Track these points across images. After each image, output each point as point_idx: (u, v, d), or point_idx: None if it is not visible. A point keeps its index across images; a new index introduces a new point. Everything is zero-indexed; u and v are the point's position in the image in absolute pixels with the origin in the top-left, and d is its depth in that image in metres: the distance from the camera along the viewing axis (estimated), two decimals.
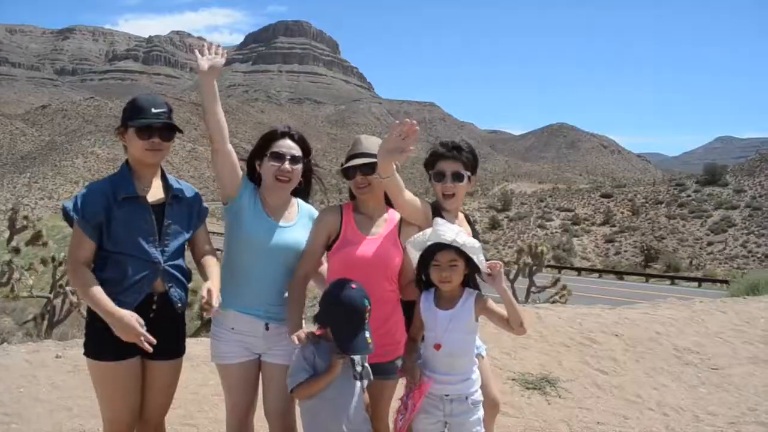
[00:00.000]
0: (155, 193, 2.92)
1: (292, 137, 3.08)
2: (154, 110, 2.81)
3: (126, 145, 2.91)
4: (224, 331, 3.00)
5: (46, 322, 15.81)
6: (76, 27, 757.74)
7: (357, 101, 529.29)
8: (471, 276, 2.97)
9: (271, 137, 3.07)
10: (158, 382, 2.96)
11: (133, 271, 2.77)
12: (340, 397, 2.74)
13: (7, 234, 17.90)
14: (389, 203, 3.13)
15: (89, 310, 2.81)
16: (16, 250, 16.30)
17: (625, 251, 62.60)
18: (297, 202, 3.19)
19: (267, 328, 2.99)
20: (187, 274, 3.01)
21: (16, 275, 15.92)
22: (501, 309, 2.94)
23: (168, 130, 2.88)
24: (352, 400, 2.76)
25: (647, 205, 76.24)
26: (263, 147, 3.07)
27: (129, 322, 2.66)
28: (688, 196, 75.76)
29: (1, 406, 4.48)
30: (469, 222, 3.40)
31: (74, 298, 15.08)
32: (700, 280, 35.92)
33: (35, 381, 4.89)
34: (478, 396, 2.99)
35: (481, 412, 3.00)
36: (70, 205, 2.78)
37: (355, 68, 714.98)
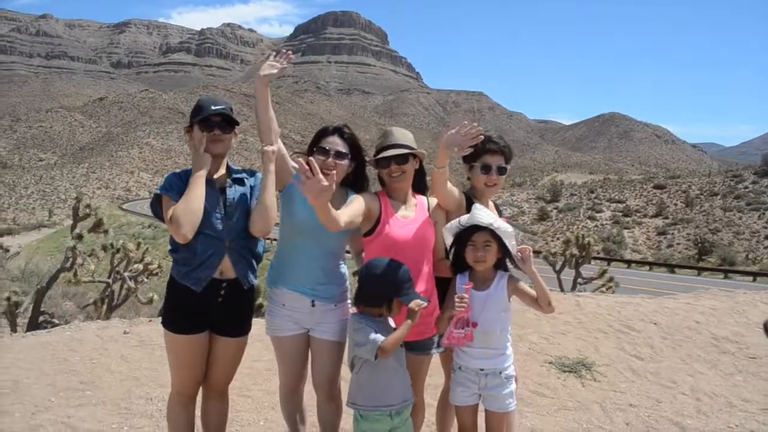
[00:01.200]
0: (221, 180, 3.26)
1: (342, 135, 3.36)
2: (213, 107, 3.14)
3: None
4: (277, 307, 3.37)
5: (105, 306, 16.58)
6: (131, 21, 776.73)
7: (405, 91, 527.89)
8: (503, 259, 3.23)
9: (322, 133, 3.38)
10: (223, 357, 3.31)
11: (202, 249, 3.09)
12: (399, 366, 3.05)
13: (69, 222, 18.76)
14: (416, 189, 3.46)
15: (169, 287, 3.19)
16: (80, 237, 17.11)
17: (678, 244, 61.04)
18: (347, 191, 3.46)
19: (313, 305, 3.32)
20: (258, 257, 3.33)
21: (79, 261, 16.74)
22: (531, 290, 3.20)
23: (225, 123, 3.19)
24: (404, 369, 3.08)
25: (702, 196, 74.05)
26: (315, 141, 3.38)
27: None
28: (746, 187, 73.25)
29: (77, 375, 4.96)
30: (498, 210, 3.67)
31: (131, 284, 15.82)
32: (755, 275, 34.81)
33: (106, 353, 5.37)
34: (511, 371, 3.25)
35: (513, 386, 3.26)
36: (161, 190, 3.14)
37: (403, 58, 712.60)
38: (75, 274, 16.98)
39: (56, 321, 13.43)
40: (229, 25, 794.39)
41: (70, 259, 16.50)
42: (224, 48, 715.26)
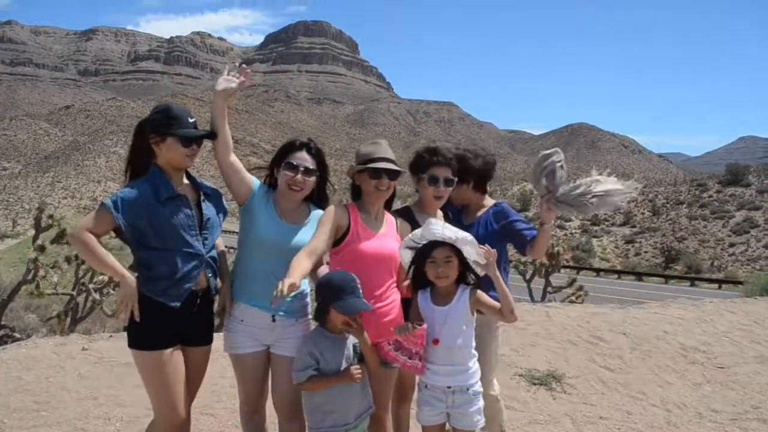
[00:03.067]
0: (187, 191, 3.16)
1: (309, 150, 3.29)
2: (189, 120, 3.08)
3: (157, 150, 3.07)
4: (235, 323, 3.22)
5: (69, 319, 16.16)
6: (98, 28, 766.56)
7: (376, 101, 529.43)
8: (464, 273, 3.16)
9: (288, 148, 3.29)
10: (193, 368, 3.19)
11: (182, 264, 3.01)
12: (347, 387, 2.96)
13: (33, 232, 18.33)
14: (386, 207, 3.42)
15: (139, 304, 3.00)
16: (42, 248, 16.67)
17: (646, 252, 61.96)
18: (309, 206, 3.39)
19: (273, 320, 3.19)
20: (215, 261, 3.27)
21: (41, 272, 16.30)
22: (493, 301, 3.13)
23: (201, 138, 3.13)
24: (357, 386, 2.99)
25: (668, 205, 75.36)
26: (281, 156, 3.29)
27: (132, 285, 2.92)
28: (710, 196, 74.76)
29: (32, 395, 4.75)
30: (447, 219, 3.63)
31: (96, 296, 15.43)
32: (720, 282, 35.49)
33: (63, 371, 5.16)
34: (478, 387, 3.17)
35: (481, 403, 3.18)
36: (109, 202, 2.94)
37: (374, 68, 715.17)
38: (37, 287, 16.54)
39: (17, 335, 13.04)
40: (198, 33, 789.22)
41: (32, 271, 16.07)
42: (194, 56, 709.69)
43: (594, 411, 5.04)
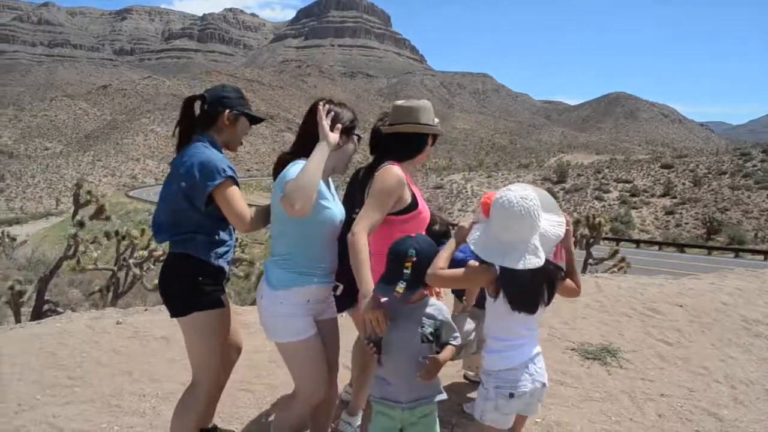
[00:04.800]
0: None
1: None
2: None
3: (225, 128, 3.12)
4: (299, 306, 2.88)
5: (111, 294, 16.40)
6: (132, 8, 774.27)
7: (409, 74, 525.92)
8: None
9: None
10: (231, 315, 3.29)
11: (233, 234, 3.19)
12: (404, 364, 2.70)
13: (73, 210, 18.58)
14: None
15: (193, 272, 2.98)
16: (81, 224, 16.87)
17: (686, 223, 60.56)
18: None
19: (335, 290, 3.09)
20: None
21: (81, 248, 16.52)
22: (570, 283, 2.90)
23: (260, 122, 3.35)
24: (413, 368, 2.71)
25: (710, 175, 73.48)
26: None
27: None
28: (754, 166, 72.55)
29: (65, 370, 4.63)
30: None
31: (137, 271, 15.58)
32: (766, 253, 34.41)
33: (97, 346, 5.03)
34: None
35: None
36: (223, 172, 2.90)
37: (407, 41, 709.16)
38: (78, 262, 16.78)
39: (60, 309, 13.21)
40: (231, 10, 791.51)
41: (72, 247, 16.29)
42: (226, 33, 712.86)
43: (654, 387, 4.70)
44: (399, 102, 3.22)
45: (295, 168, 2.81)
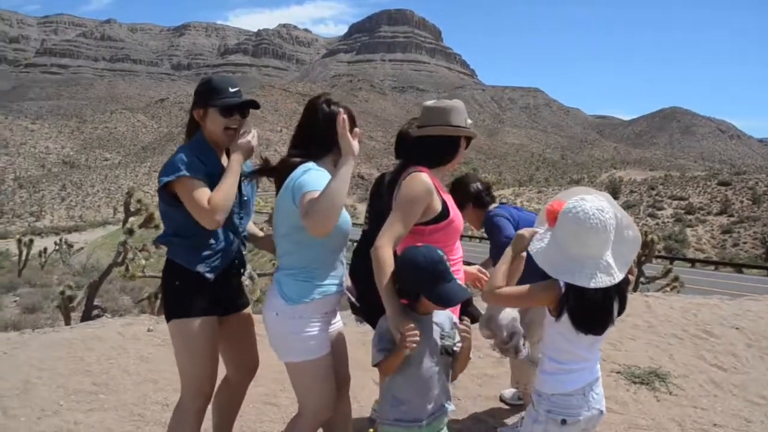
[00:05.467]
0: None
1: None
2: (230, 89, 2.90)
3: (202, 125, 2.94)
4: (318, 319, 2.72)
5: (159, 301, 16.61)
6: (190, 24, 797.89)
7: (460, 88, 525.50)
8: None
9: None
10: (242, 331, 3.11)
11: (222, 237, 2.91)
12: (423, 373, 2.50)
13: (124, 217, 19.01)
14: None
15: (171, 276, 2.89)
16: (130, 232, 17.20)
17: (745, 243, 58.20)
18: None
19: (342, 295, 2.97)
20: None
21: (130, 255, 16.84)
22: None
23: (245, 108, 2.96)
24: (435, 377, 2.52)
25: None
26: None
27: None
28: None
29: (91, 376, 4.58)
30: None
31: None
32: None
33: (125, 353, 4.98)
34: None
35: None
36: (178, 170, 2.75)
37: (457, 55, 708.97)
38: (126, 269, 17.11)
39: (108, 315, 13.45)
40: (284, 26, 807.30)
41: (122, 254, 16.62)
42: (280, 48, 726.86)
43: (706, 416, 4.35)
44: (429, 102, 2.97)
45: (310, 176, 2.62)
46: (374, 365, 2.49)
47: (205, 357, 2.89)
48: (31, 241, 28.79)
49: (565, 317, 2.34)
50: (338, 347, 2.92)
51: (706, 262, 39.80)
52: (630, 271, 2.41)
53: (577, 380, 2.41)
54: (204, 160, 2.84)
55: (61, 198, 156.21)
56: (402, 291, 2.50)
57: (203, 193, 2.72)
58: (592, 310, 2.31)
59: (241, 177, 2.94)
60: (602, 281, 2.24)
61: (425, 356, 2.47)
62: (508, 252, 2.50)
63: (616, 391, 4.66)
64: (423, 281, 2.42)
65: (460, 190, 3.87)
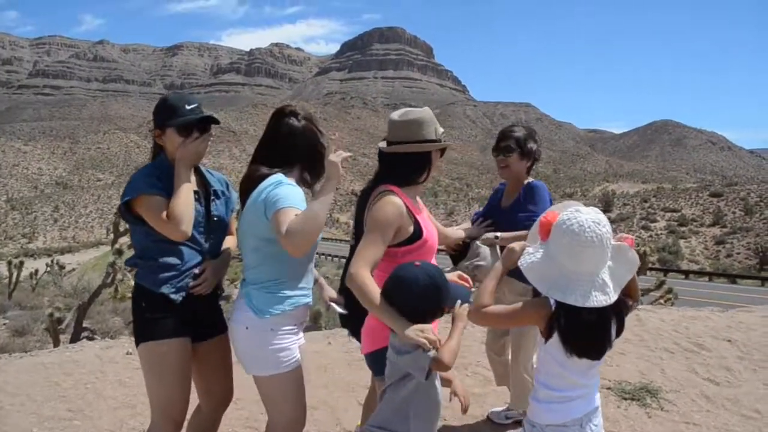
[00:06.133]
0: (198, 187, 2.94)
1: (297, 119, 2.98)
2: (187, 107, 2.80)
3: (163, 146, 2.86)
4: (289, 331, 2.71)
5: None
6: (183, 44, 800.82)
7: (452, 104, 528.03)
8: None
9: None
10: (215, 358, 2.97)
11: (188, 258, 2.79)
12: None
13: (126, 240, 18.88)
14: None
15: (138, 298, 2.84)
16: (119, 252, 17.05)
17: (738, 253, 58.26)
18: None
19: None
20: None
21: (119, 276, 16.67)
22: None
23: (205, 123, 2.86)
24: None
25: (762, 203, 70.81)
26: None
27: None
28: None
29: (67, 402, 4.46)
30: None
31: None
32: None
33: (103, 377, 4.85)
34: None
35: None
36: (136, 189, 2.71)
37: (449, 72, 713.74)
38: (116, 290, 16.92)
39: (97, 337, 13.26)
40: (277, 45, 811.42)
41: (111, 275, 16.44)
42: (272, 67, 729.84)
43: None
44: (395, 115, 2.77)
45: (283, 190, 2.59)
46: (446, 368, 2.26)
47: (173, 381, 2.76)
48: (22, 263, 28.50)
49: (555, 339, 2.17)
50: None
51: (700, 273, 39.84)
52: (633, 298, 2.28)
53: (573, 410, 2.23)
54: (164, 180, 2.76)
55: (53, 219, 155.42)
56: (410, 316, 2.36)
57: (161, 207, 2.68)
58: (587, 331, 2.12)
59: (209, 196, 2.92)
60: (597, 300, 2.07)
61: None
62: (498, 267, 2.38)
63: (606, 408, 4.55)
64: (441, 296, 2.35)
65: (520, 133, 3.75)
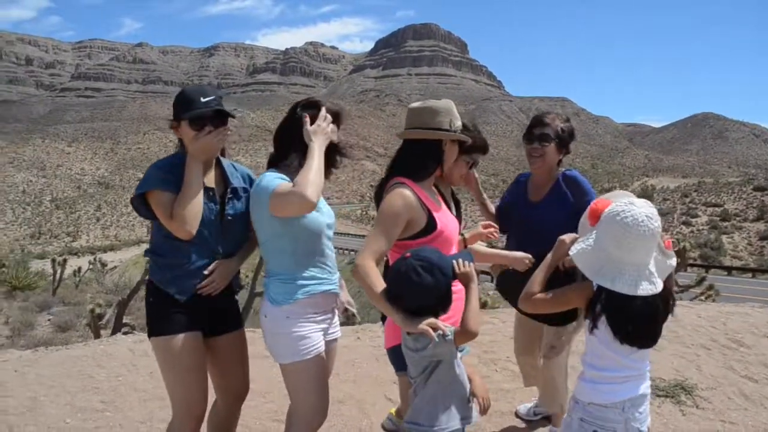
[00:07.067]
0: (216, 183, 2.89)
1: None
2: (203, 99, 2.75)
3: (181, 139, 2.83)
4: (306, 319, 2.72)
5: None
6: (219, 44, 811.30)
7: (487, 100, 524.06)
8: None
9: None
10: (230, 354, 2.96)
11: (196, 257, 2.77)
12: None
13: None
14: None
15: (147, 293, 2.85)
16: None
17: None
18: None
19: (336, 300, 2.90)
20: None
21: None
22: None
23: (219, 117, 2.79)
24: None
25: None
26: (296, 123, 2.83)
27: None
28: None
29: (100, 394, 4.55)
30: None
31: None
32: None
33: (135, 370, 4.94)
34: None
35: None
36: (147, 184, 2.71)
37: (484, 67, 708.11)
38: None
39: (136, 332, 13.56)
40: (311, 43, 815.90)
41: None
42: (308, 66, 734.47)
43: (735, 431, 4.13)
44: (413, 104, 2.80)
45: (267, 178, 2.66)
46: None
47: (187, 375, 2.76)
48: (65, 260, 29.29)
49: (602, 323, 2.22)
50: (329, 356, 2.90)
51: (744, 269, 38.75)
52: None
53: (617, 393, 2.25)
54: (178, 174, 2.72)
55: (96, 218, 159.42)
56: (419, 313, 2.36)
57: (170, 205, 2.66)
58: (635, 318, 2.17)
59: (223, 195, 2.85)
60: (645, 289, 2.13)
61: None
62: (548, 259, 2.41)
63: None
64: (442, 275, 2.34)
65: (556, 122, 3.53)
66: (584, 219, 2.34)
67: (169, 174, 2.72)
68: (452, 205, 3.15)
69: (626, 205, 2.16)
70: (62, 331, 17.69)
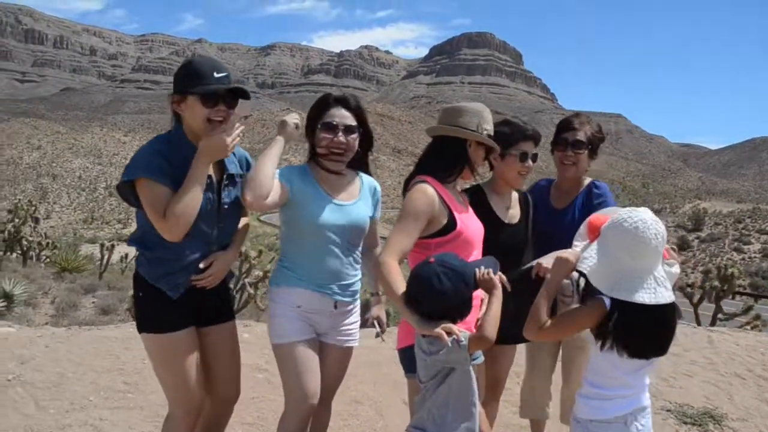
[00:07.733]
0: (213, 170, 2.64)
1: (347, 105, 2.81)
2: (216, 75, 2.47)
3: (180, 114, 2.57)
4: (289, 309, 2.75)
5: None
6: (276, 44, 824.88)
7: (539, 113, 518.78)
8: None
9: (323, 106, 2.81)
10: (221, 347, 2.83)
11: (189, 251, 2.58)
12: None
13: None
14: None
15: (136, 286, 2.68)
16: None
17: None
18: (359, 176, 2.94)
19: (335, 307, 2.81)
20: None
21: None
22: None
23: (233, 97, 2.56)
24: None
25: None
26: (315, 118, 2.82)
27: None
28: None
29: (124, 375, 4.67)
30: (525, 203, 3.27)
31: (251, 290, 15.99)
32: None
33: None
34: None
35: None
36: (136, 170, 2.44)
37: (538, 79, 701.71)
38: None
39: None
40: (366, 47, 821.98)
41: None
42: (361, 69, 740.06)
43: None
44: (448, 105, 2.84)
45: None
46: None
47: (187, 372, 2.62)
48: (113, 246, 30.10)
49: (612, 339, 2.15)
50: (331, 363, 2.89)
51: None
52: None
53: (618, 407, 2.23)
54: (172, 158, 2.48)
55: None
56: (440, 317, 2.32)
57: (162, 201, 2.42)
58: (648, 329, 2.12)
59: (221, 182, 2.67)
60: (663, 297, 2.08)
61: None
62: (550, 282, 2.31)
63: (662, 429, 4.32)
64: (464, 281, 2.31)
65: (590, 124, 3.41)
66: (581, 234, 2.31)
67: (163, 159, 2.46)
68: (518, 210, 3.14)
69: (628, 212, 2.13)
70: (104, 314, 18.18)
